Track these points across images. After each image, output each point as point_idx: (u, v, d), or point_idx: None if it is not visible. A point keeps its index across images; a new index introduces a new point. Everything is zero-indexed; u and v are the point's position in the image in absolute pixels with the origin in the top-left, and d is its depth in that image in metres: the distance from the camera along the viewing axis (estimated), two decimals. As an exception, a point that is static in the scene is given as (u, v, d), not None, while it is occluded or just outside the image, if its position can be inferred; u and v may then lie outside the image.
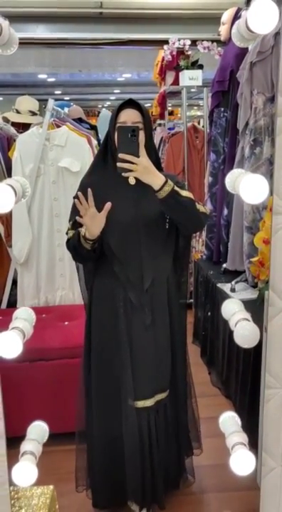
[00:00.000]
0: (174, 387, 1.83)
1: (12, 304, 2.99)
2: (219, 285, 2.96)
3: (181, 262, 1.82)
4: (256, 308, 2.55)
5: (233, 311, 0.94)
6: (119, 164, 1.46)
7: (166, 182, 1.50)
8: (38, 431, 0.95)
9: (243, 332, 0.86)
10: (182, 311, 1.87)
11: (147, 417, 1.75)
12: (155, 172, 1.50)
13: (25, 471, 0.84)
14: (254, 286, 2.77)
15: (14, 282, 3.01)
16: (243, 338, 0.87)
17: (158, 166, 1.67)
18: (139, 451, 1.75)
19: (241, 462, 0.86)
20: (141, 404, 1.75)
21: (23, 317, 0.89)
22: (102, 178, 1.65)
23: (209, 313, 3.20)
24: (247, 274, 2.82)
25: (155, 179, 1.49)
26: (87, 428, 1.90)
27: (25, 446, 0.91)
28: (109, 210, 1.57)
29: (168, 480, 1.92)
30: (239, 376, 2.53)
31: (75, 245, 1.64)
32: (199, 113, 6.28)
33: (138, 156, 1.46)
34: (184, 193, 1.55)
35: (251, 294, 2.71)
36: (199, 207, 1.60)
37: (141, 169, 1.47)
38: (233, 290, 2.82)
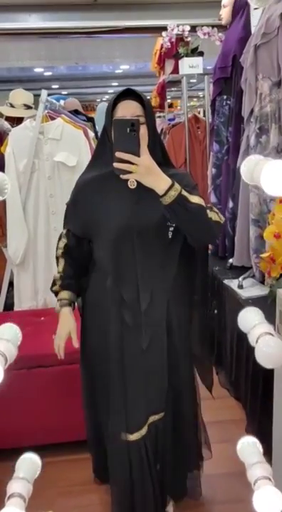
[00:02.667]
0: (172, 407, 1.65)
1: (9, 307, 2.91)
2: (226, 281, 2.86)
3: (196, 277, 1.62)
4: (267, 307, 2.46)
5: (252, 323, 0.80)
6: (116, 165, 1.26)
7: (172, 185, 1.29)
8: (28, 466, 0.82)
9: (267, 350, 0.72)
10: (186, 330, 1.64)
11: (138, 449, 1.57)
12: (159, 174, 1.29)
13: (13, 518, 0.71)
14: (262, 281, 2.66)
15: (11, 284, 2.92)
16: (268, 357, 0.73)
17: (167, 162, 1.48)
18: (130, 484, 1.59)
19: (267, 501, 0.72)
20: (135, 437, 1.56)
21: (6, 337, 0.75)
22: (99, 180, 1.47)
23: (216, 311, 3.08)
24: (254, 269, 2.72)
25: (159, 182, 1.29)
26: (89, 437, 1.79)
27: (13, 486, 0.78)
28: (102, 216, 1.43)
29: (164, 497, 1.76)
30: (249, 377, 2.42)
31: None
32: (198, 104, 6.16)
33: (138, 155, 1.25)
34: (194, 198, 1.34)
35: (260, 291, 2.61)
36: (212, 214, 1.38)
37: (142, 170, 1.26)
38: (240, 287, 2.71)
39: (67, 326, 1.55)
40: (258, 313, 0.87)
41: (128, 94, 1.38)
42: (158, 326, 1.51)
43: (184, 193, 1.31)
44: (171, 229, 1.45)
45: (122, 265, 1.46)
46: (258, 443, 0.85)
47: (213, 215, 1.39)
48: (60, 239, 1.62)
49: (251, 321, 0.81)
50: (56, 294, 1.60)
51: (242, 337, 2.75)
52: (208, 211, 1.37)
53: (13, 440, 2.20)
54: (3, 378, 0.73)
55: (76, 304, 1.68)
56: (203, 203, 1.36)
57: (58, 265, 1.61)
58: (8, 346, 0.74)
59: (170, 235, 1.46)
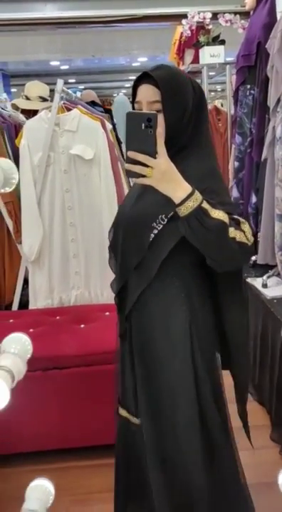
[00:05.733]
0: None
1: (24, 305, 2.86)
2: (249, 280, 2.76)
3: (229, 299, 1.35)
4: (293, 308, 2.35)
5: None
6: (127, 166, 1.09)
7: (191, 194, 1.10)
8: (40, 495, 0.72)
9: None
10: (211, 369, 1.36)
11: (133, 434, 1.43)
12: (177, 180, 1.10)
13: None
14: None
15: (25, 282, 2.88)
16: None
17: (202, 152, 1.27)
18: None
19: None
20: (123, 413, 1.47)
21: (13, 350, 0.65)
22: None
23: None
24: (279, 267, 2.62)
25: (176, 190, 1.10)
26: None
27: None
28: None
29: None
30: (274, 381, 2.34)
31: None
32: (216, 101, 6.01)
33: (155, 156, 1.07)
34: (216, 212, 1.12)
35: None
36: (236, 234, 1.14)
37: (158, 175, 1.08)
38: (264, 286, 2.63)
39: None
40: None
41: (147, 76, 1.21)
42: (148, 354, 1.35)
43: (205, 205, 1.11)
44: (155, 231, 1.23)
45: (121, 258, 1.37)
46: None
47: (239, 235, 1.14)
48: None
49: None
50: None
51: (266, 338, 2.66)
52: (232, 229, 1.13)
53: (29, 444, 2.17)
54: (9, 399, 0.62)
55: None
56: (226, 219, 1.13)
57: None
58: (15, 361, 0.63)
59: (151, 237, 1.24)
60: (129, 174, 1.10)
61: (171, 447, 1.32)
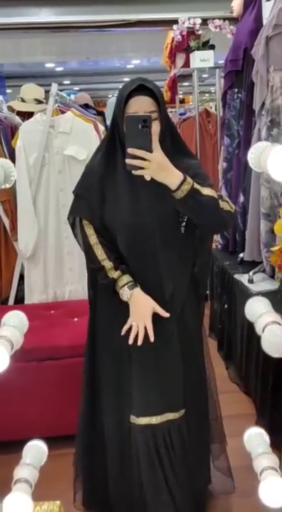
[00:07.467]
0: (193, 405, 1.61)
1: (19, 300, 2.91)
2: (236, 276, 2.85)
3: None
4: (277, 301, 2.45)
5: (259, 312, 0.79)
6: (128, 161, 1.26)
7: (184, 180, 1.29)
8: (34, 453, 0.82)
9: (274, 339, 0.72)
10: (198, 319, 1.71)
11: (153, 437, 1.52)
12: (171, 169, 1.29)
13: (19, 503, 0.71)
14: (273, 276, 2.64)
15: (21, 277, 2.92)
16: (274, 345, 0.73)
17: (180, 152, 1.45)
18: (148, 474, 1.53)
19: (273, 492, 0.72)
20: (141, 421, 1.53)
21: (13, 324, 0.75)
22: (111, 174, 1.45)
23: (226, 306, 3.07)
24: (265, 263, 2.71)
25: (171, 177, 1.28)
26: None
27: (20, 472, 0.78)
28: (119, 213, 1.44)
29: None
30: (259, 371, 2.41)
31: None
32: (211, 103, 6.08)
33: (151, 151, 1.24)
34: (206, 190, 1.34)
35: (271, 286, 2.60)
36: (223, 204, 1.38)
37: (154, 166, 1.26)
38: (251, 281, 2.69)
39: (150, 304, 1.43)
40: (265, 302, 0.86)
41: (140, 88, 1.34)
42: (178, 318, 1.53)
43: (196, 186, 1.31)
44: (183, 224, 1.47)
45: (143, 258, 1.46)
46: (264, 434, 0.85)
47: (225, 205, 1.39)
48: (83, 227, 1.52)
49: (258, 310, 0.80)
50: (114, 282, 1.46)
51: (252, 331, 2.73)
52: (220, 201, 1.37)
53: (23, 431, 2.19)
54: (9, 364, 0.73)
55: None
56: (215, 194, 1.36)
57: (96, 253, 1.48)
58: (14, 333, 0.74)
59: (182, 230, 1.48)
60: (130, 168, 1.27)
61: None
